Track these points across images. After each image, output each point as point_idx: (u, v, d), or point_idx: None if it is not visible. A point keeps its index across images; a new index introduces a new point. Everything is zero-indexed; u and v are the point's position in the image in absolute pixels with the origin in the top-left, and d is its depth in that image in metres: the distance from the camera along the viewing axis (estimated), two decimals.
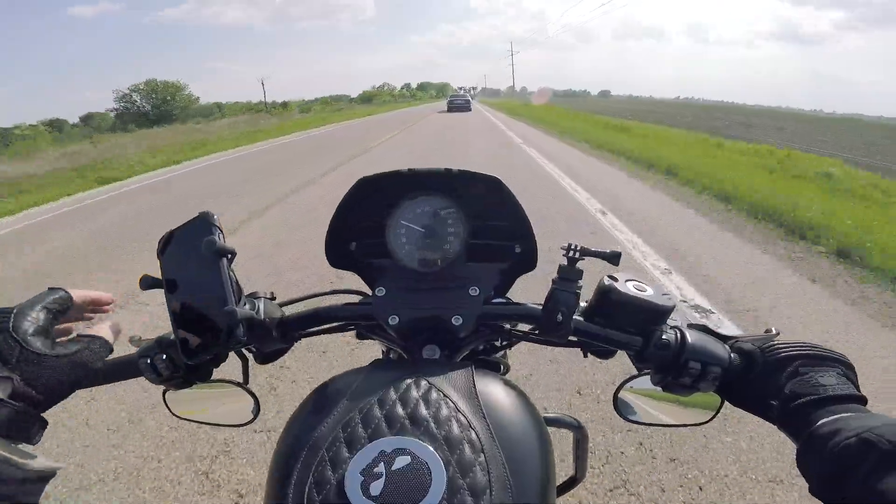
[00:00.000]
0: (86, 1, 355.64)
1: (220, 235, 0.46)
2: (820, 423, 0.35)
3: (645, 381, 0.52)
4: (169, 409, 0.57)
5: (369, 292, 0.61)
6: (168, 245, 0.48)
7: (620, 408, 0.57)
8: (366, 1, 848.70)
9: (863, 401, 0.38)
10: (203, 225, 0.46)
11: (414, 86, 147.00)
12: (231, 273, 0.46)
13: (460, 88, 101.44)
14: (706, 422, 0.53)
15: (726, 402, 0.48)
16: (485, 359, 0.65)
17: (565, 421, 0.62)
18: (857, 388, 0.39)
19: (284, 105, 54.35)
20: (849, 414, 0.36)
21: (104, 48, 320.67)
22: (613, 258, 0.50)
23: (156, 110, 47.21)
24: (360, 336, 0.61)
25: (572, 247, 0.50)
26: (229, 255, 0.45)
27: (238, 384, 0.56)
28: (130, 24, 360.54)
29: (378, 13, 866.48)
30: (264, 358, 0.55)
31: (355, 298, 0.62)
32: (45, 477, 0.36)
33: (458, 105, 29.15)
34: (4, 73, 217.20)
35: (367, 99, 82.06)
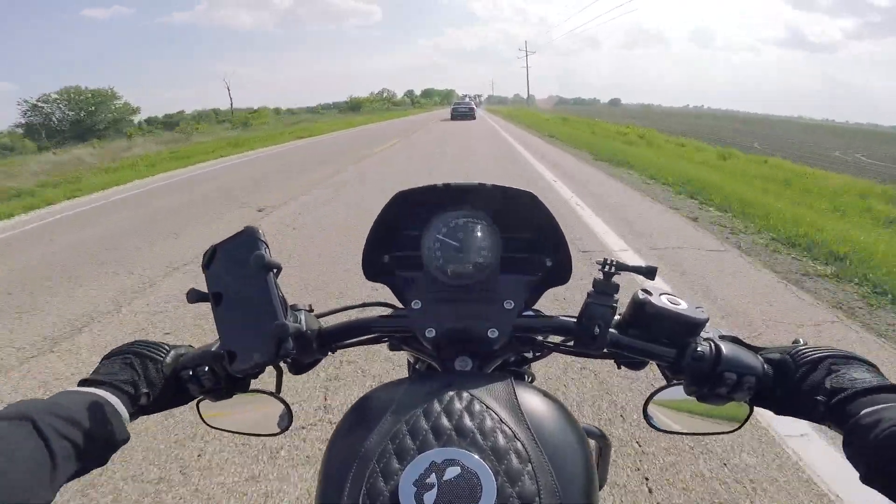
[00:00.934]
0: (98, 3, 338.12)
1: (267, 250, 0.47)
2: (863, 412, 0.37)
3: (673, 392, 0.53)
4: (202, 419, 0.57)
5: (399, 305, 0.61)
6: (213, 259, 0.49)
7: (650, 418, 0.56)
8: (373, 6, 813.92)
9: None
10: (249, 239, 0.47)
11: (418, 92, 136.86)
12: (278, 287, 0.46)
13: (465, 96, 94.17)
14: (735, 430, 0.53)
15: (755, 409, 0.49)
16: (515, 370, 0.64)
17: (589, 430, 0.61)
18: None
19: (253, 114, 44.80)
20: (889, 405, 0.37)
21: (113, 50, 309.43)
22: (649, 273, 0.51)
23: (78, 124, 37.55)
24: (392, 347, 0.61)
25: (608, 262, 0.51)
26: (275, 270, 0.46)
27: (271, 394, 0.56)
28: (139, 27, 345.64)
29: (385, 17, 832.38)
30: (298, 368, 0.55)
31: (386, 310, 0.62)
32: (122, 437, 0.43)
33: (462, 113, 29.49)
34: (15, 72, 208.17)
35: (354, 107, 70.75)
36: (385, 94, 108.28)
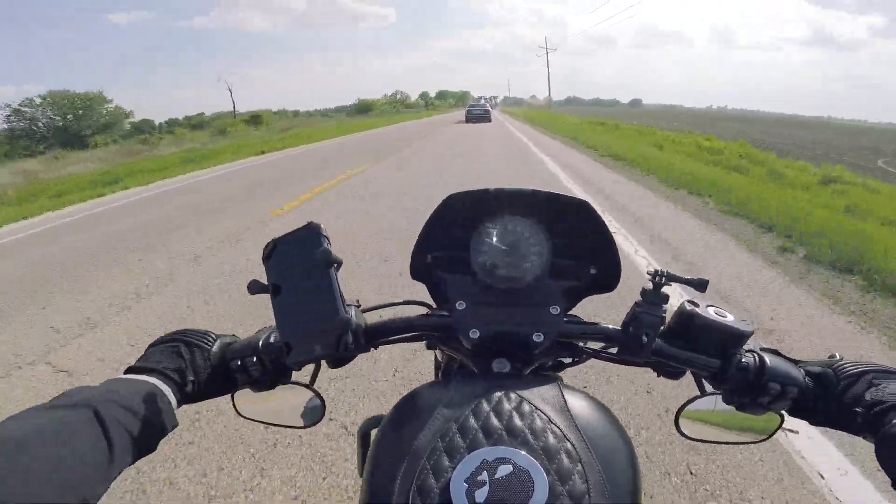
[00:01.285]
0: (122, 8, 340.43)
1: (330, 245, 0.47)
2: (893, 422, 0.38)
3: (705, 402, 0.54)
4: (236, 409, 0.56)
5: (434, 304, 0.63)
6: (273, 252, 0.50)
7: (682, 427, 0.56)
8: (388, 8, 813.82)
9: None
10: (311, 235, 0.48)
11: (432, 94, 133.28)
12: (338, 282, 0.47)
13: (480, 98, 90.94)
14: (765, 439, 0.54)
15: (791, 421, 0.50)
16: (549, 374, 0.62)
17: None
18: None
19: (256, 119, 41.95)
20: None
21: (136, 53, 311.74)
22: (700, 285, 0.51)
23: (65, 129, 35.00)
24: (429, 346, 0.62)
25: (658, 272, 0.51)
26: (337, 265, 0.47)
27: (306, 386, 0.57)
28: (161, 31, 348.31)
29: (398, 20, 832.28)
30: (336, 363, 0.54)
31: (423, 308, 0.63)
32: (171, 425, 0.43)
33: (478, 115, 28.44)
34: (43, 74, 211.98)
35: (363, 109, 67.38)
36: (399, 97, 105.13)
